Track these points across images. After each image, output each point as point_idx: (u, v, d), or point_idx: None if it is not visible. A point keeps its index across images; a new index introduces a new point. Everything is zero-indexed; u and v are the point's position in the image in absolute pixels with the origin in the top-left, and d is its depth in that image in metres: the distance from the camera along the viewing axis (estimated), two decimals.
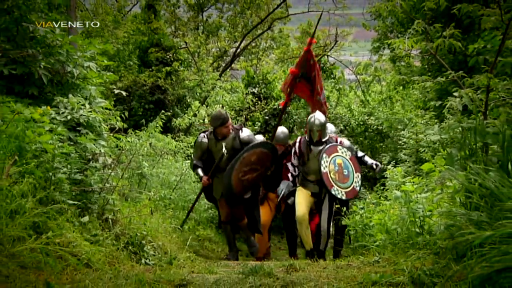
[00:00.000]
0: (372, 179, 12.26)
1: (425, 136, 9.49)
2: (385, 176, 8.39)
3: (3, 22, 5.55)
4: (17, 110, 4.54)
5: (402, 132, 11.61)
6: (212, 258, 7.01)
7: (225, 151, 6.78)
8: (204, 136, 7.04)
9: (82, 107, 5.48)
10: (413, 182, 6.18)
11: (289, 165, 6.91)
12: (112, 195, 5.23)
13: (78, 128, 5.35)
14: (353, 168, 6.67)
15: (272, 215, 7.80)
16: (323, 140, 6.76)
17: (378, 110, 14.47)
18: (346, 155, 6.70)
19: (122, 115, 7.39)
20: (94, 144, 5.28)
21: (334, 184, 6.43)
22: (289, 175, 6.86)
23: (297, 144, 6.89)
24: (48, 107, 5.04)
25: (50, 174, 4.40)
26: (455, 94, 5.23)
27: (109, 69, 7.84)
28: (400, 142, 11.33)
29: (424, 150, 9.33)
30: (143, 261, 4.89)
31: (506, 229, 2.92)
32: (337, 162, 6.57)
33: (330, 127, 7.35)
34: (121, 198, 6.02)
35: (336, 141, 6.83)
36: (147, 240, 5.34)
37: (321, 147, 6.68)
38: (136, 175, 8.38)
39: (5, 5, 5.58)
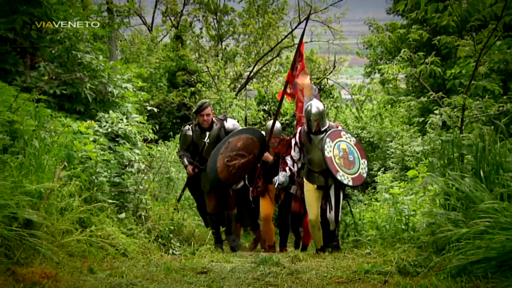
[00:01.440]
0: (365, 183, 12.19)
1: (409, 147, 9.45)
2: (376, 181, 8.35)
3: (56, 51, 5.61)
4: (67, 124, 4.58)
5: (390, 143, 11.56)
6: (227, 250, 6.98)
7: (208, 140, 5.87)
8: (188, 128, 6.05)
9: (120, 121, 5.52)
10: (400, 186, 6.17)
11: (287, 158, 5.61)
12: (144, 196, 5.24)
13: (117, 139, 5.39)
14: (359, 154, 5.38)
15: (274, 206, 6.63)
16: (322, 129, 5.38)
17: (370, 125, 14.42)
18: (350, 141, 5.42)
19: (154, 128, 7.42)
20: (130, 152, 5.32)
21: (339, 169, 5.14)
22: (287, 168, 5.59)
23: (297, 135, 5.55)
24: (92, 121, 5.09)
25: (94, 177, 4.44)
26: (436, 112, 5.23)
27: (143, 90, 7.90)
28: (389, 152, 11.27)
29: (409, 159, 9.29)
30: (170, 251, 4.90)
31: (479, 227, 2.90)
32: (341, 147, 5.28)
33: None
34: (152, 198, 6.04)
35: (337, 128, 5.52)
36: (174, 234, 5.36)
37: (321, 136, 5.33)
38: (165, 179, 8.41)
39: (58, 37, 5.65)
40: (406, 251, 3.81)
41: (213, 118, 6.03)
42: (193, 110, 6.05)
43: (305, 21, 7.34)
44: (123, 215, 4.59)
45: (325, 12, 17.11)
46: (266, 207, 6.45)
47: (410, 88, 12.31)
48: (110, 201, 4.52)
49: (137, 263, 3.69)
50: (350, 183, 5.18)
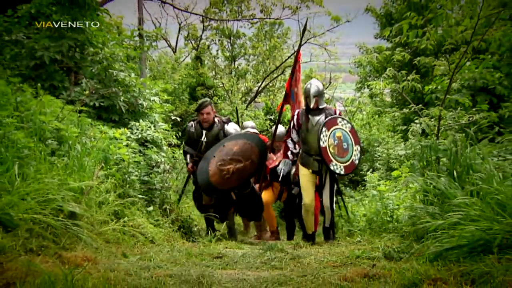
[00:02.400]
0: (356, 181, 12.13)
1: (394, 151, 9.43)
2: (365, 179, 8.32)
3: (96, 69, 5.67)
4: (104, 131, 4.62)
5: (378, 148, 11.49)
6: (238, 239, 6.93)
7: (205, 139, 5.39)
8: (191, 125, 5.58)
9: (149, 128, 5.54)
10: (386, 184, 6.13)
11: (289, 141, 5.04)
12: (169, 192, 5.25)
13: (146, 144, 5.41)
14: (353, 141, 4.82)
15: (274, 198, 6.10)
16: (321, 107, 4.86)
17: (360, 132, 14.35)
18: (346, 127, 4.81)
19: (177, 134, 7.43)
20: (157, 155, 5.33)
21: (333, 159, 4.63)
22: (289, 153, 5.05)
23: (295, 117, 4.97)
24: (125, 129, 5.12)
25: (126, 176, 4.47)
26: (416, 121, 5.23)
27: (168, 102, 7.92)
28: (376, 155, 11.21)
29: (393, 161, 9.25)
30: (191, 239, 4.90)
31: (452, 219, 2.90)
32: (336, 135, 4.71)
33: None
34: (176, 194, 6.05)
35: (335, 113, 4.90)
36: (194, 224, 5.36)
37: (319, 117, 4.81)
38: (186, 178, 8.39)
39: (98, 58, 5.71)
40: (391, 240, 3.81)
41: (216, 119, 5.52)
42: (196, 108, 5.54)
43: (303, 36, 7.09)
44: (151, 208, 4.60)
45: (322, 37, 17.15)
46: (266, 195, 6.00)
47: (394, 101, 12.28)
48: (140, 196, 4.54)
49: (163, 249, 3.71)
50: (342, 172, 4.71)
